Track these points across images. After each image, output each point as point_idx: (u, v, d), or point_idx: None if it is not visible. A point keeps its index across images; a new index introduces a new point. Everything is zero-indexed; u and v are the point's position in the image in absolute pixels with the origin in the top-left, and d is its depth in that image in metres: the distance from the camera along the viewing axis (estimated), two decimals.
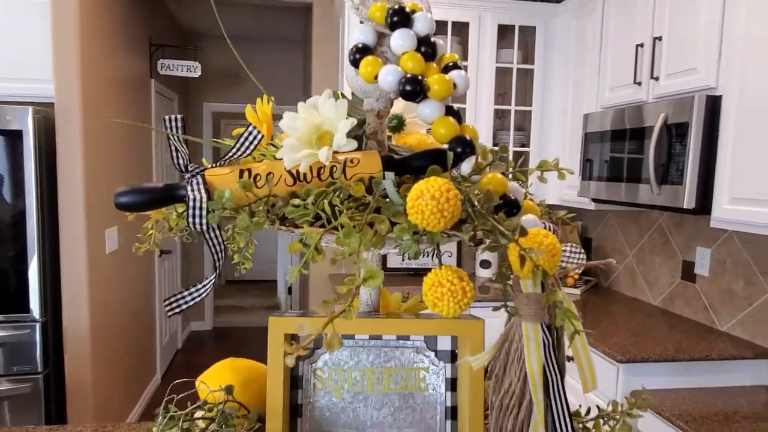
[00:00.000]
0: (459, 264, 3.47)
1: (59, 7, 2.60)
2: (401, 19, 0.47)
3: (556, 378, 0.39)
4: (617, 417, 0.51)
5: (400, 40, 0.48)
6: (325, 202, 0.40)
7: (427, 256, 2.89)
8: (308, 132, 0.43)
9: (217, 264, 0.44)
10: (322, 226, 0.41)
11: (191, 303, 0.44)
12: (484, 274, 3.37)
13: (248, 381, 0.49)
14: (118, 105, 3.21)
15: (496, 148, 0.52)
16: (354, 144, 0.43)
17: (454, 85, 0.48)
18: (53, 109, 2.69)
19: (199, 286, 0.45)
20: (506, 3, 3.11)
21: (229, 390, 0.44)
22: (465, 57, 3.14)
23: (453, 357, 0.45)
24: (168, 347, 4.44)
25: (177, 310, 0.44)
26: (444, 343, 0.45)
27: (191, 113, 5.04)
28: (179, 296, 0.45)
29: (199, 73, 3.84)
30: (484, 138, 3.10)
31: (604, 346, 2.19)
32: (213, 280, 0.45)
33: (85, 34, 2.73)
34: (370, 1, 0.48)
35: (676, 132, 2.13)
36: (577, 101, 2.96)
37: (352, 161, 0.44)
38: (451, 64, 0.51)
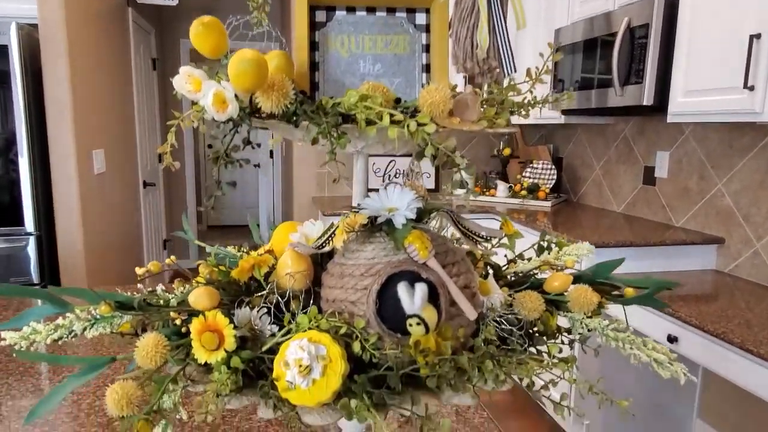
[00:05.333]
0: (437, 184, 3.64)
1: None
2: None
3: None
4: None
5: None
6: None
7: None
8: None
9: None
10: None
11: None
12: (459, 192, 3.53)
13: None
14: (99, 30, 3.23)
15: None
16: None
17: None
18: (37, 30, 2.71)
19: None
20: None
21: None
22: None
23: (427, 29, 0.60)
24: (153, 282, 4.56)
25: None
26: (420, 19, 0.60)
27: (168, 49, 5.03)
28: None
29: (177, 2, 3.85)
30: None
31: (569, 236, 2.39)
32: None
33: None
34: None
35: (638, 34, 2.28)
36: (550, 19, 3.08)
37: None
38: None
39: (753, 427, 2.30)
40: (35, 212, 2.72)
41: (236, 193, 6.87)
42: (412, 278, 0.51)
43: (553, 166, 3.32)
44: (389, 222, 0.55)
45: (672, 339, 1.90)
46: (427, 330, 0.49)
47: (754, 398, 2.28)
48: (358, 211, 0.55)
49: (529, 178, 3.36)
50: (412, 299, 0.49)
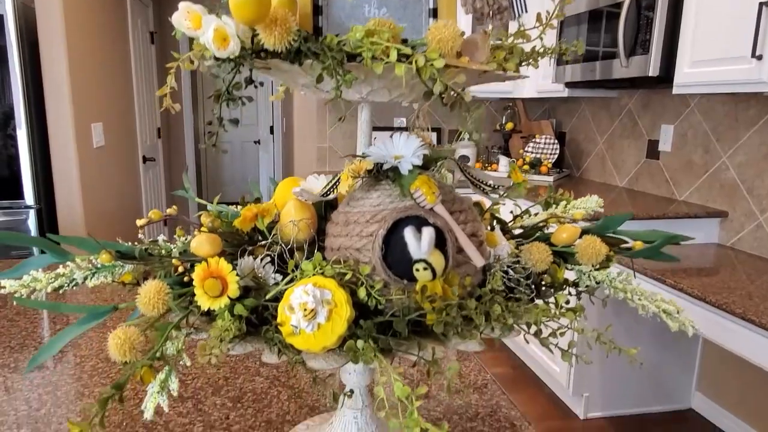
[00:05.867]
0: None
1: None
2: None
3: None
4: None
5: None
6: None
7: None
8: None
9: None
10: None
11: None
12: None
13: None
14: (95, 2, 3.18)
15: None
16: None
17: None
18: (33, 3, 2.67)
19: None
20: None
21: None
22: None
23: None
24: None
25: None
26: None
27: (166, 23, 4.95)
28: None
29: None
30: (465, 25, 3.16)
31: None
32: None
33: None
34: None
35: (644, 4, 2.24)
36: None
37: None
38: None
39: (752, 400, 2.32)
40: (35, 185, 2.71)
41: (236, 170, 6.84)
42: (419, 223, 0.50)
43: (556, 141, 3.29)
44: (395, 169, 0.53)
45: None
46: (434, 275, 0.49)
47: (753, 372, 2.30)
48: (363, 159, 0.54)
49: (532, 152, 3.34)
50: (419, 244, 0.48)
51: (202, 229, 0.58)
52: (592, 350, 2.36)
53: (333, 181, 0.55)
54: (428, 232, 0.48)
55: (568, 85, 2.87)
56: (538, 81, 3.21)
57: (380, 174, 0.55)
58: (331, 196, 0.55)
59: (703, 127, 2.47)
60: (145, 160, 4.11)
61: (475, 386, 0.96)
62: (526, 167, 3.21)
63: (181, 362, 0.51)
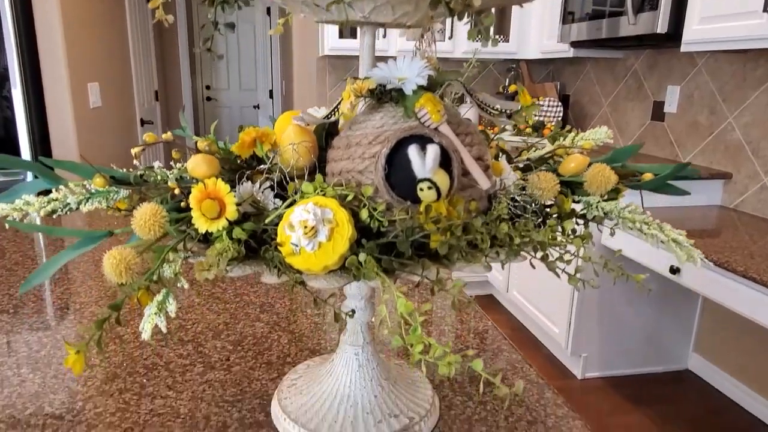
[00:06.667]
0: None
1: None
2: None
3: None
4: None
5: None
6: None
7: None
8: None
9: None
10: None
11: None
12: None
13: None
14: None
15: None
16: None
17: None
18: None
19: None
20: None
21: None
22: None
23: None
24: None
25: None
26: None
27: None
28: None
29: None
30: None
31: None
32: None
33: None
34: None
35: None
36: None
37: None
38: None
39: (747, 360, 2.34)
40: (31, 146, 2.68)
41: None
42: (424, 142, 0.48)
43: (560, 104, 3.24)
44: (399, 91, 0.51)
45: (674, 270, 1.89)
46: (439, 196, 0.47)
47: (749, 333, 2.31)
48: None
49: (535, 115, 3.29)
50: (423, 162, 0.46)
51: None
52: (599, 276, 2.38)
53: (335, 105, 0.53)
54: (433, 149, 0.46)
55: (574, 44, 2.82)
56: (542, 41, 3.14)
57: (383, 96, 0.52)
58: (333, 119, 0.53)
59: (710, 88, 2.42)
60: (143, 122, 4.06)
61: (476, 332, 0.96)
62: (528, 130, 3.17)
63: (179, 285, 0.50)
